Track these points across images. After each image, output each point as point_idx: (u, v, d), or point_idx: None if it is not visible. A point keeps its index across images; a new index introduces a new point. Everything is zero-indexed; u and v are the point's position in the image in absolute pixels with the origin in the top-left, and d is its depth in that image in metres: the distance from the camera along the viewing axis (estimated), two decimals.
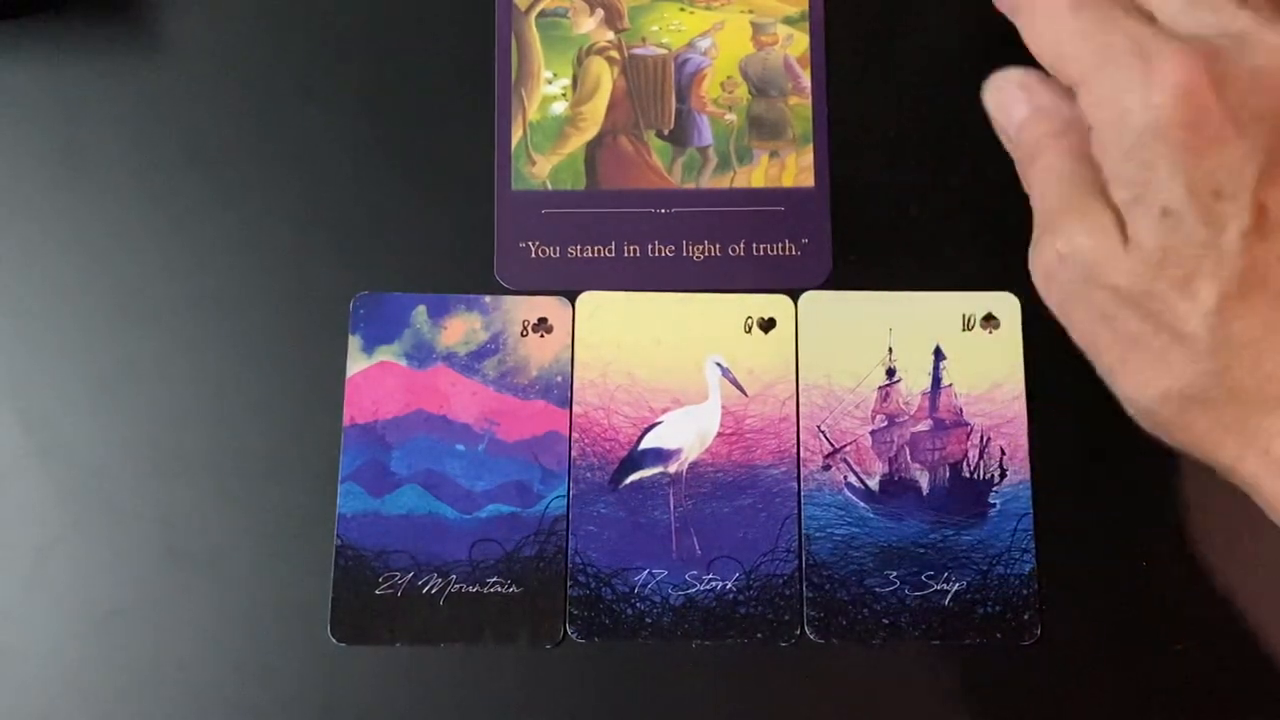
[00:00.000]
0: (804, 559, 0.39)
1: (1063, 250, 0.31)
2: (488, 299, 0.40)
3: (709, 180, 0.41)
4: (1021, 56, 0.42)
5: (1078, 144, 0.31)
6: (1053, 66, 0.32)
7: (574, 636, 0.38)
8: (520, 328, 0.40)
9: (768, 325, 0.40)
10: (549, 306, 0.40)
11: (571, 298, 0.40)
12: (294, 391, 0.39)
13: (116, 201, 0.41)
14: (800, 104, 0.42)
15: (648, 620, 0.38)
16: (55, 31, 0.42)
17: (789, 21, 0.43)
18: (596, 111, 0.42)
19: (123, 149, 0.41)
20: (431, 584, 0.38)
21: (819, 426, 0.40)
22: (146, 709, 0.37)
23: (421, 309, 0.40)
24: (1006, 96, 0.34)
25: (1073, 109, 0.31)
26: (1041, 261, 0.32)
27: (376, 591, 0.38)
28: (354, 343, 0.40)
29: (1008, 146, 0.34)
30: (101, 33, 0.42)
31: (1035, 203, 0.32)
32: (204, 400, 0.39)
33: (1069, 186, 0.31)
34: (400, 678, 0.37)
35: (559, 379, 0.39)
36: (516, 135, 0.41)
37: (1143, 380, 0.31)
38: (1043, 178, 0.32)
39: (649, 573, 0.38)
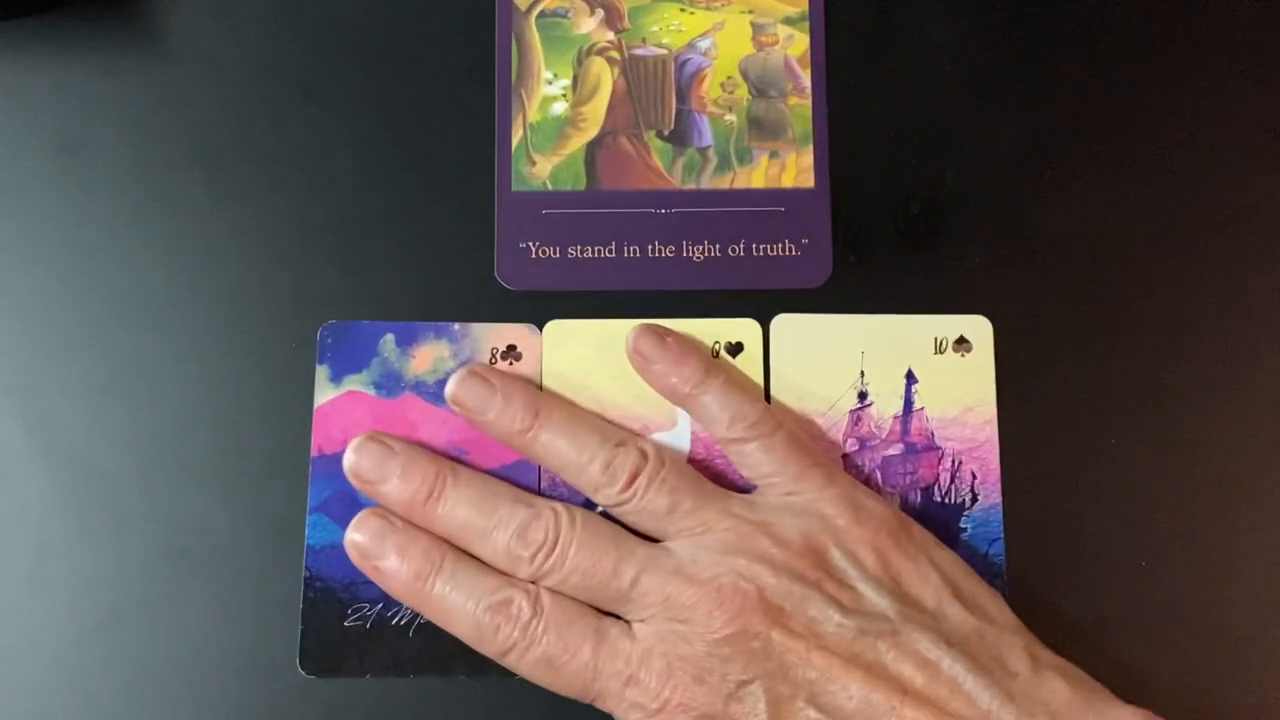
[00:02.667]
0: None
1: None
2: (456, 326, 0.40)
3: (709, 181, 0.41)
4: (1024, 57, 0.42)
5: None
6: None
7: None
8: (489, 356, 0.40)
9: (735, 350, 0.40)
10: (517, 334, 0.40)
11: (544, 321, 0.40)
12: (260, 422, 0.39)
13: (116, 201, 0.40)
14: (800, 104, 0.42)
15: None
16: (55, 31, 0.42)
17: (789, 22, 0.42)
18: (597, 112, 0.42)
19: (123, 149, 0.41)
20: (401, 615, 0.38)
21: None
22: (145, 709, 0.37)
23: (390, 337, 0.40)
24: None
25: None
26: None
27: (345, 623, 0.38)
28: (321, 372, 0.39)
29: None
30: (101, 33, 0.42)
31: None
32: (201, 405, 0.39)
33: None
34: (370, 710, 0.37)
35: None
36: (517, 136, 0.41)
37: None
38: None
39: None
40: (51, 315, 0.40)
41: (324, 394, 0.39)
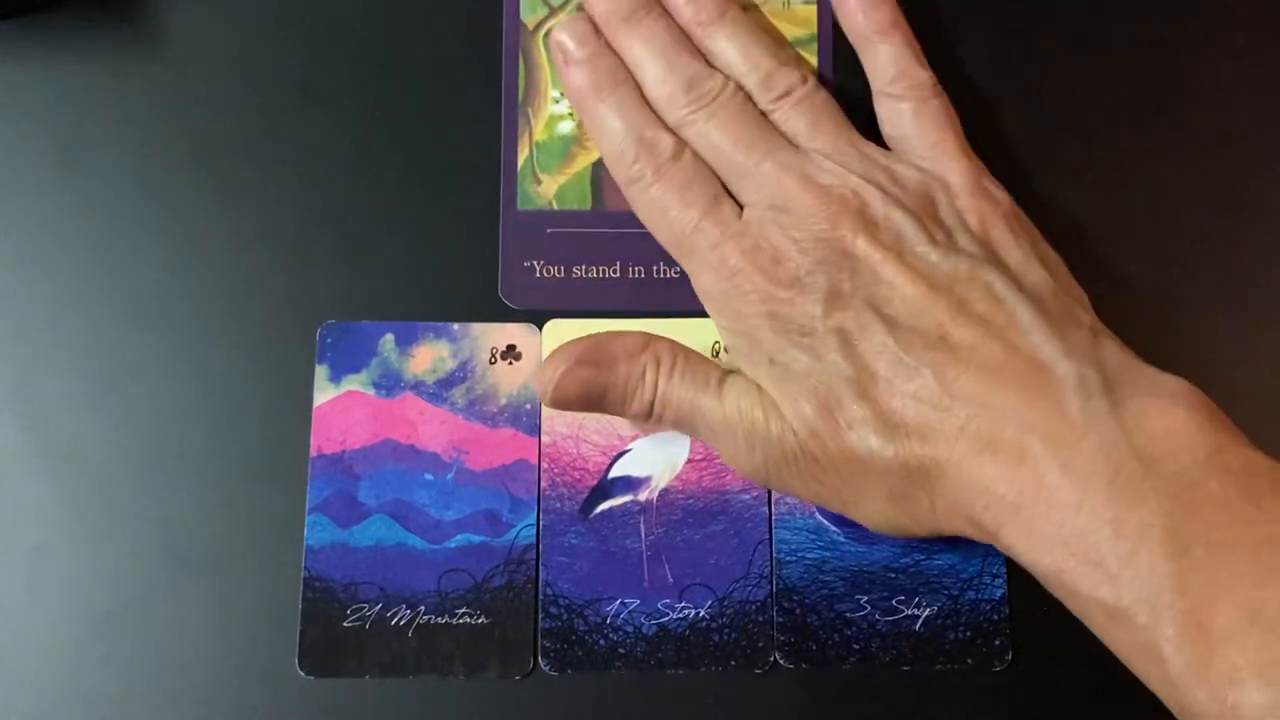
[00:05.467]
0: (774, 584, 0.38)
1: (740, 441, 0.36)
2: (456, 326, 0.40)
3: None
4: (1027, 73, 0.42)
5: None
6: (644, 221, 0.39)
7: (546, 669, 0.37)
8: (488, 355, 0.40)
9: None
10: (517, 334, 0.40)
11: (544, 323, 0.40)
12: (260, 422, 0.39)
13: (116, 201, 0.40)
14: None
15: (620, 650, 0.38)
16: (55, 31, 0.41)
17: (798, 43, 0.42)
18: None
19: (123, 149, 0.41)
20: (400, 615, 0.38)
21: None
22: (144, 709, 0.37)
23: (389, 337, 0.40)
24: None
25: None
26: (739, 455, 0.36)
27: (345, 624, 0.38)
28: (320, 372, 0.39)
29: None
30: (101, 33, 0.42)
31: None
32: (200, 405, 0.39)
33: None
34: (369, 711, 0.37)
35: (528, 406, 0.39)
36: (522, 154, 0.41)
37: (863, 512, 0.35)
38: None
39: (621, 603, 0.38)
40: (51, 315, 0.40)
41: (323, 394, 0.39)
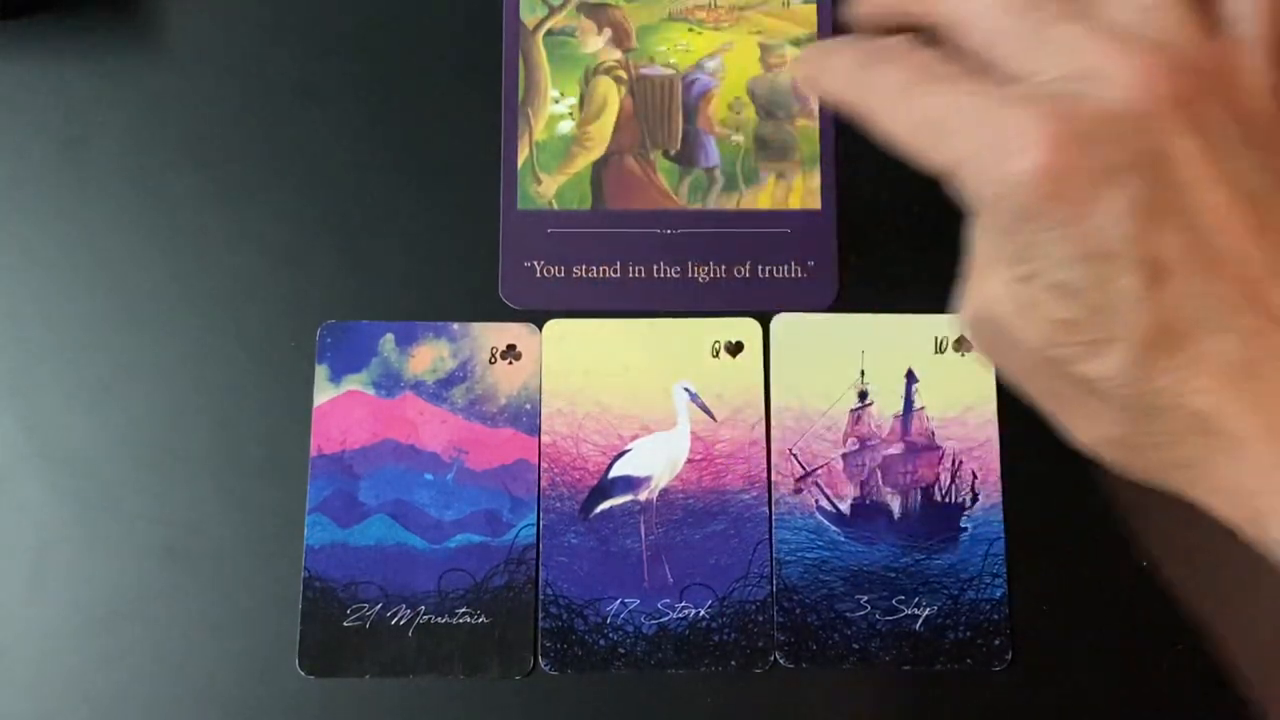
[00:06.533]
0: (775, 584, 0.38)
1: (974, 313, 0.29)
2: (456, 326, 0.40)
3: (715, 201, 0.41)
4: None
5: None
6: (915, 151, 0.30)
7: (546, 669, 0.37)
8: (488, 355, 0.40)
9: (735, 349, 0.40)
10: (517, 333, 0.40)
11: (544, 323, 0.40)
12: (260, 422, 0.39)
13: (116, 201, 0.40)
14: (808, 126, 0.42)
15: (620, 650, 0.38)
16: (55, 31, 0.42)
17: (797, 43, 0.42)
18: (603, 131, 0.42)
19: (123, 148, 0.41)
20: (400, 615, 0.38)
21: (791, 449, 0.39)
22: (145, 708, 0.37)
23: (389, 337, 0.40)
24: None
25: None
26: (962, 314, 0.29)
27: (345, 623, 0.38)
28: (320, 372, 0.39)
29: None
30: (101, 33, 0.42)
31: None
32: (200, 405, 0.39)
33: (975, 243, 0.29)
34: (369, 710, 0.37)
35: (528, 406, 0.39)
36: (523, 154, 0.41)
37: (1080, 428, 0.28)
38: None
39: (621, 602, 0.38)
40: (51, 315, 0.40)
41: (323, 394, 0.39)
